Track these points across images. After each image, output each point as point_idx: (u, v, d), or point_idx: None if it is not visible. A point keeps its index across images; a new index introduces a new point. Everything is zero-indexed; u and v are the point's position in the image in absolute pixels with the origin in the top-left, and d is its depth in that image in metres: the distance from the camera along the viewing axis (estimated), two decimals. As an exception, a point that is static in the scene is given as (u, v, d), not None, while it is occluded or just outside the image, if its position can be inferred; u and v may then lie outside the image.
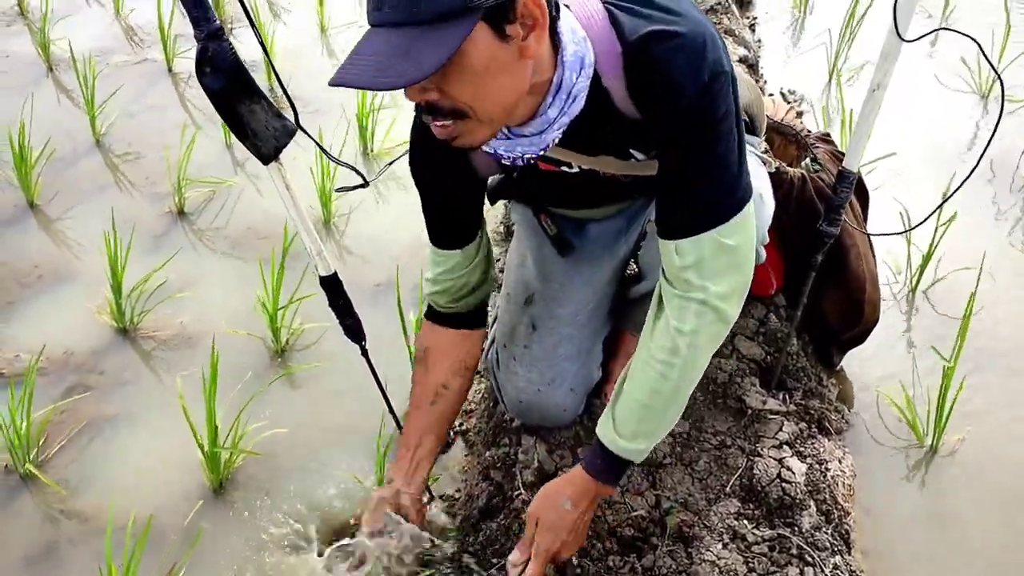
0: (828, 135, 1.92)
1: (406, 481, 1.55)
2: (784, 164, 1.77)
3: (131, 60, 3.58)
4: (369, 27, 1.11)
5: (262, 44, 1.50)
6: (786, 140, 1.91)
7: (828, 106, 3.03)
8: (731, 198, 1.28)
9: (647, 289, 1.62)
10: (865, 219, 1.86)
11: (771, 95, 2.65)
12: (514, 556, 1.45)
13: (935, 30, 1.51)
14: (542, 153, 1.29)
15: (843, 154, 1.71)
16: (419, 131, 1.47)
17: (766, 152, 1.64)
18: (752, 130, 1.73)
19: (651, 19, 1.21)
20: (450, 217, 1.55)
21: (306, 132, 1.49)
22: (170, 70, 3.50)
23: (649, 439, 1.37)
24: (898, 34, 1.48)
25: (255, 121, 1.47)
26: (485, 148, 1.31)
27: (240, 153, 3.06)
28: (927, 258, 2.23)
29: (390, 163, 1.63)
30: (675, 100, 1.20)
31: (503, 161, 1.34)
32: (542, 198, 1.74)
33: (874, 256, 1.87)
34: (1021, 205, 2.59)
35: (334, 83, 1.08)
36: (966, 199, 2.48)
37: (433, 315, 1.63)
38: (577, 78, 1.20)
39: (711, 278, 1.28)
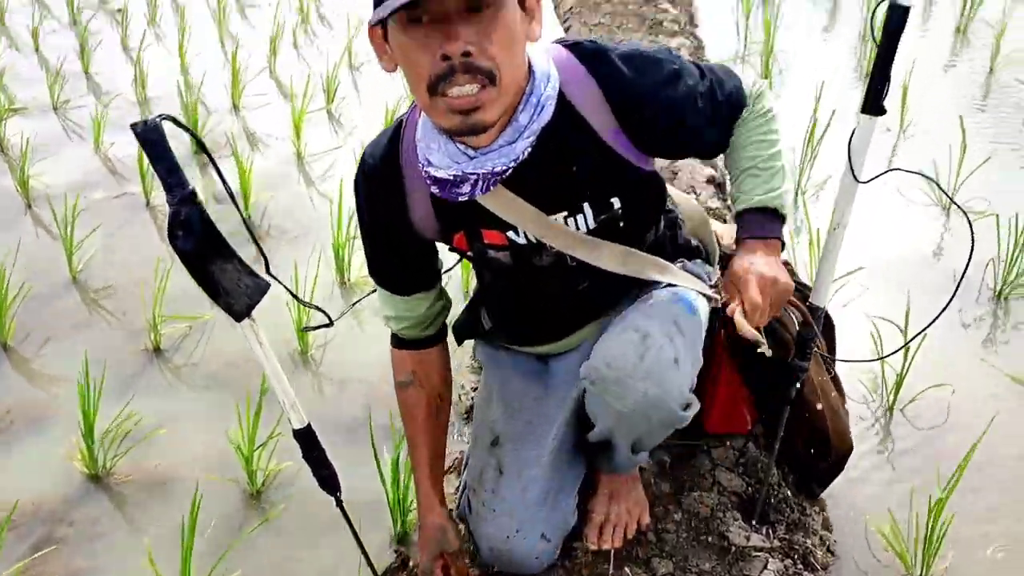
0: (788, 265, 1.93)
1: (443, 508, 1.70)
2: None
3: (110, 195, 3.63)
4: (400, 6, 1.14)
5: (232, 196, 1.52)
6: None
7: (794, 223, 3.10)
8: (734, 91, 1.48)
9: (601, 436, 1.60)
10: (832, 350, 1.87)
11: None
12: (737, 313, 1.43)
13: (889, 170, 1.56)
14: (512, 166, 1.32)
15: (808, 288, 1.74)
16: (363, 183, 1.51)
17: (716, 286, 1.64)
18: (704, 257, 1.75)
19: (600, 43, 1.39)
20: (402, 269, 1.58)
21: (277, 280, 1.52)
22: (148, 203, 3.55)
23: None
24: (854, 176, 1.53)
25: (226, 280, 1.49)
26: (446, 175, 1.34)
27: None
28: (901, 377, 2.24)
29: (355, 302, 1.70)
30: (662, 71, 1.36)
31: (459, 198, 1.37)
32: (505, 327, 1.76)
33: (837, 386, 1.87)
34: (989, 316, 2.62)
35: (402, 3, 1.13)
36: (934, 311, 2.52)
37: (402, 343, 1.67)
38: (546, 88, 1.30)
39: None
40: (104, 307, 3.00)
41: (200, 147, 1.50)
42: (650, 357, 1.40)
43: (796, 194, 3.20)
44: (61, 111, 4.46)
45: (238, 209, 1.51)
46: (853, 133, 1.53)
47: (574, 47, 1.38)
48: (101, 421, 2.31)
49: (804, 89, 3.85)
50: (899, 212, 3.08)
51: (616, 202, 1.44)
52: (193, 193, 1.43)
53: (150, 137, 1.37)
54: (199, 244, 1.45)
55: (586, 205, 1.43)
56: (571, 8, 4.49)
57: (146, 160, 3.51)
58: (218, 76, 4.66)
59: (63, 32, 5.52)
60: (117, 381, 2.61)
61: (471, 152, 1.32)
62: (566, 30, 4.21)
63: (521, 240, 1.47)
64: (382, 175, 1.48)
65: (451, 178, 1.34)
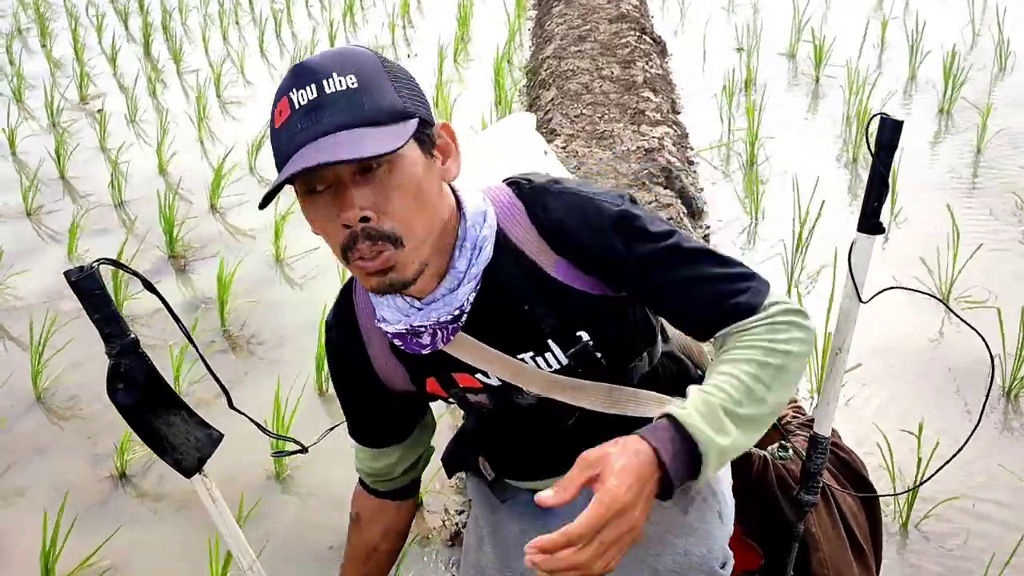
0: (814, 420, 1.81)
1: None
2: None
3: (78, 306, 3.49)
4: (298, 148, 1.06)
5: (179, 323, 1.40)
6: None
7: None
8: (750, 277, 1.20)
9: None
10: (862, 487, 1.72)
11: None
12: (545, 494, 0.98)
13: (889, 288, 1.44)
14: (457, 314, 1.22)
15: (811, 435, 1.61)
16: (327, 344, 1.44)
17: None
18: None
19: (546, 178, 1.27)
20: (374, 422, 1.48)
21: (242, 413, 1.41)
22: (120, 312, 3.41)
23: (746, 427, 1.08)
24: (858, 297, 1.42)
25: (173, 434, 1.36)
26: (398, 329, 1.24)
27: (191, 399, 2.94)
28: (913, 493, 2.10)
29: (330, 428, 1.55)
30: (599, 215, 1.19)
31: (422, 351, 1.27)
32: (496, 463, 1.62)
33: (871, 516, 1.73)
34: (1000, 416, 2.49)
35: (287, 177, 1.04)
36: (943, 417, 2.41)
37: (363, 484, 1.57)
38: (481, 229, 1.20)
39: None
40: (68, 430, 2.85)
41: (147, 286, 1.38)
42: (694, 511, 1.32)
43: (789, 286, 3.09)
44: (35, 217, 4.37)
45: (189, 337, 1.38)
46: (851, 251, 1.42)
47: (514, 184, 1.29)
48: (63, 562, 2.17)
49: (792, 177, 3.80)
50: (895, 305, 2.96)
51: (583, 335, 1.32)
52: (135, 343, 1.31)
53: (86, 286, 1.26)
54: (142, 398, 1.32)
55: (551, 342, 1.31)
56: (552, 100, 4.46)
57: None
58: (197, 176, 4.59)
59: (41, 135, 5.47)
60: (80, 512, 2.46)
61: (417, 304, 1.23)
62: (547, 122, 4.17)
63: (495, 382, 1.36)
64: (340, 335, 1.41)
65: (406, 331, 1.25)
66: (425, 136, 1.11)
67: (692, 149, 4.22)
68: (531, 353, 1.32)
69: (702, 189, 3.84)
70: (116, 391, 1.31)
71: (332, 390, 2.89)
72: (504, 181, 1.31)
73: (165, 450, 1.36)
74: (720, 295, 1.18)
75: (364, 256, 1.09)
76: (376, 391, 1.43)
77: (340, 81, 1.06)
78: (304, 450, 1.44)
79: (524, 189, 1.26)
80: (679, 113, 4.59)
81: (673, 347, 1.55)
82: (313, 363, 2.93)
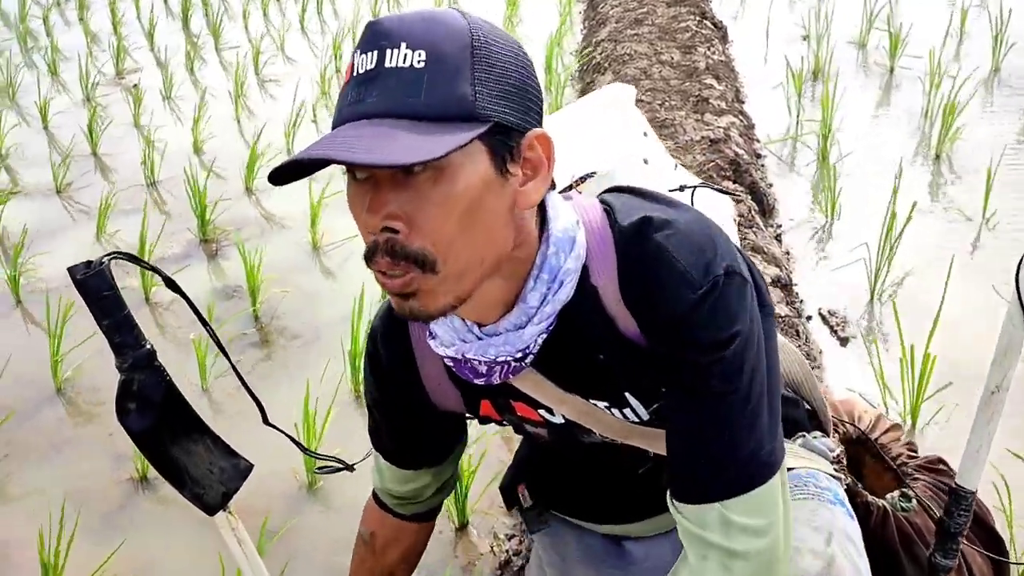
0: (940, 461, 1.55)
1: None
2: (867, 493, 1.40)
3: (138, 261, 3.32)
4: (339, 125, 0.87)
5: (205, 323, 1.19)
6: (880, 465, 1.53)
7: (877, 332, 2.71)
8: (747, 464, 0.96)
9: None
10: (993, 542, 1.46)
11: (858, 395, 2.31)
12: None
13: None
14: (520, 356, 0.99)
15: (953, 488, 1.35)
16: (370, 350, 1.22)
17: (838, 463, 1.28)
18: (819, 424, 1.38)
19: (648, 206, 1.00)
20: (410, 443, 1.28)
21: (278, 429, 1.20)
22: (147, 300, 3.22)
23: None
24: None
25: (194, 465, 1.14)
26: (449, 354, 1.03)
27: (218, 394, 2.74)
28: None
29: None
30: (675, 300, 0.92)
31: (475, 381, 1.05)
32: (560, 501, 1.43)
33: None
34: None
35: (299, 159, 0.83)
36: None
37: (379, 502, 1.37)
38: (566, 259, 0.96)
39: (727, 540, 0.96)
40: (88, 425, 2.66)
41: (169, 284, 1.15)
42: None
43: (872, 299, 2.82)
44: (64, 194, 4.20)
45: (220, 346, 1.16)
46: (1021, 271, 1.15)
47: (609, 209, 1.02)
48: (70, 572, 1.99)
49: (873, 176, 3.51)
50: (987, 308, 2.67)
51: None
52: (150, 354, 1.09)
53: (93, 286, 1.03)
54: (157, 421, 1.10)
55: (629, 396, 1.08)
56: (610, 84, 4.19)
57: (147, 247, 3.26)
58: (232, 156, 4.39)
59: (74, 110, 5.31)
60: (95, 518, 2.28)
61: (476, 331, 1.00)
62: (604, 108, 3.90)
63: (559, 420, 1.15)
64: (389, 349, 1.19)
65: (458, 357, 1.03)
66: (503, 146, 0.87)
67: (759, 141, 3.94)
68: (606, 404, 1.10)
69: (771, 184, 3.56)
70: (127, 412, 1.09)
71: (370, 392, 2.68)
72: (600, 198, 1.05)
73: (184, 483, 1.14)
74: (718, 468, 0.96)
75: (382, 269, 0.87)
76: (423, 411, 1.22)
77: (406, 56, 0.84)
78: (350, 468, 1.30)
79: (620, 225, 0.99)
80: (743, 103, 4.30)
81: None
82: (349, 360, 2.71)
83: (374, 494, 1.39)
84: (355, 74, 0.86)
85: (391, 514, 1.36)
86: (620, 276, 0.98)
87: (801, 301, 2.84)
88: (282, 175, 0.85)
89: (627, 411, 1.10)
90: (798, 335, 2.52)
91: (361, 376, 2.68)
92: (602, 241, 1.00)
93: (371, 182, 0.86)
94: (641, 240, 0.96)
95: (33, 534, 2.17)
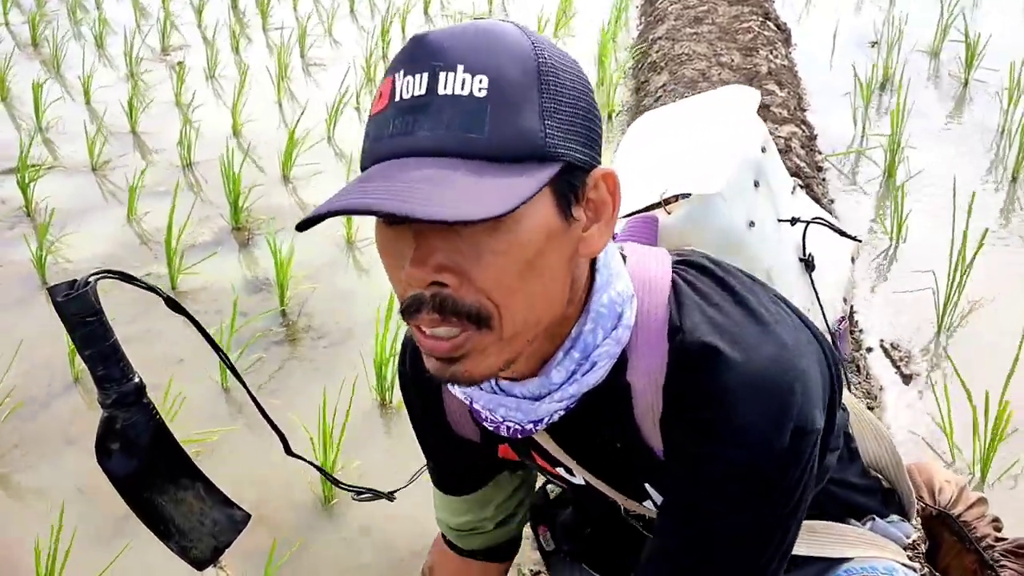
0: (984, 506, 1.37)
1: None
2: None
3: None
4: (374, 164, 0.73)
5: (214, 345, 1.07)
6: (961, 544, 1.34)
7: (939, 365, 2.51)
8: None
9: None
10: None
11: (945, 466, 2.10)
12: None
13: None
14: (529, 427, 0.87)
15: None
16: (401, 367, 1.13)
17: (913, 548, 1.11)
18: (896, 505, 1.21)
19: (723, 318, 0.82)
20: (448, 467, 1.20)
21: (302, 458, 1.14)
22: (174, 287, 3.12)
23: None
24: None
25: (182, 515, 1.01)
26: (458, 395, 0.91)
27: (238, 393, 2.61)
28: None
29: (420, 470, 1.29)
30: (720, 455, 0.79)
31: (486, 424, 0.92)
32: (588, 556, 1.28)
33: None
34: None
35: (336, 210, 0.68)
36: None
37: (444, 538, 1.28)
38: (604, 338, 0.82)
39: None
40: (103, 419, 2.55)
41: (170, 305, 1.03)
42: None
43: (939, 332, 2.61)
44: (100, 172, 4.12)
45: (230, 365, 1.03)
46: None
47: (678, 303, 0.85)
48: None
49: (942, 197, 3.27)
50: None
51: None
52: (138, 389, 0.95)
53: (74, 311, 0.90)
54: (143, 466, 0.97)
55: (650, 488, 0.95)
56: (663, 86, 4.01)
57: (175, 233, 3.16)
58: (270, 140, 4.28)
59: (117, 85, 5.23)
60: (101, 525, 2.16)
61: (491, 382, 0.87)
62: (658, 110, 3.72)
63: (579, 482, 1.02)
64: (417, 362, 1.07)
65: (465, 402, 0.93)
66: (569, 187, 0.74)
67: (820, 153, 3.73)
68: (624, 496, 0.98)
69: (832, 201, 3.36)
70: (109, 454, 0.96)
71: (394, 400, 2.55)
72: (673, 273, 0.88)
73: (170, 535, 1.01)
74: None
75: (429, 327, 0.73)
76: (451, 441, 1.11)
77: (464, 81, 0.69)
78: (389, 498, 1.25)
79: (682, 336, 0.82)
80: (806, 111, 4.08)
81: (860, 466, 1.15)
82: (374, 368, 2.57)
83: (441, 532, 1.30)
84: (399, 98, 0.71)
85: (453, 549, 1.27)
86: (665, 400, 0.83)
87: (861, 331, 2.65)
88: (306, 222, 0.71)
89: (647, 503, 0.97)
90: (858, 370, 2.33)
91: (384, 384, 2.56)
92: (654, 340, 0.84)
93: (412, 227, 0.71)
94: (701, 375, 0.80)
95: (38, 531, 2.07)
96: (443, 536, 1.28)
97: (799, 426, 0.78)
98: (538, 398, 0.84)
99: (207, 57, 5.51)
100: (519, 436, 0.89)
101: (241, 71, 5.19)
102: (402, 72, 0.71)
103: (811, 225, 1.20)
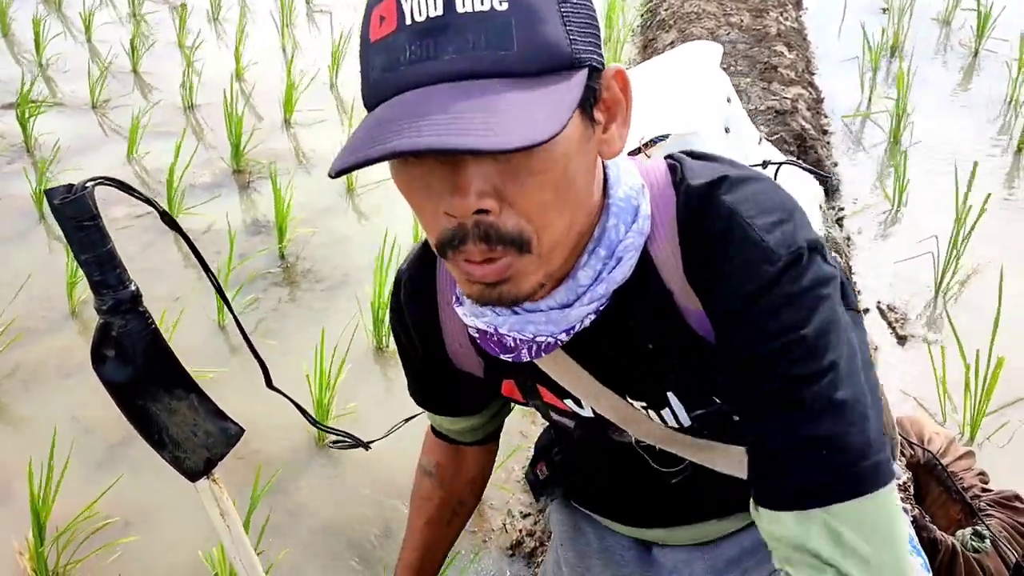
0: (1017, 498, 1.37)
1: None
2: (935, 527, 1.24)
3: (132, 212, 3.20)
4: (395, 96, 0.69)
5: (200, 258, 1.06)
6: (947, 495, 1.35)
7: (935, 327, 2.52)
8: (850, 463, 0.77)
9: None
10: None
11: (929, 415, 2.10)
12: None
13: None
14: (564, 339, 0.85)
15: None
16: (393, 301, 1.08)
17: (904, 491, 1.12)
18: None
19: (719, 164, 0.86)
20: (443, 395, 1.17)
21: (283, 394, 1.09)
22: (174, 227, 3.11)
23: None
24: None
25: (176, 425, 1.01)
26: (478, 325, 0.88)
27: (235, 332, 2.62)
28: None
29: (404, 422, 1.31)
30: (748, 275, 0.78)
31: (501, 355, 0.90)
32: (585, 498, 1.29)
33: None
34: None
35: (389, 153, 0.64)
36: None
37: (438, 434, 1.26)
38: (626, 232, 0.82)
39: (842, 558, 0.77)
40: (98, 352, 2.56)
41: (164, 218, 1.02)
42: None
43: (936, 295, 2.61)
44: (100, 110, 4.09)
45: (221, 293, 1.02)
46: None
47: (674, 167, 0.87)
48: (64, 508, 1.91)
49: (946, 164, 3.27)
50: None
51: (716, 398, 0.93)
52: (134, 297, 0.95)
53: (71, 213, 0.89)
54: (138, 373, 0.97)
55: (672, 396, 0.93)
56: (671, 43, 3.97)
57: (178, 171, 3.14)
58: (273, 84, 4.24)
59: (119, 24, 5.18)
60: (95, 454, 2.18)
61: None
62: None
63: (587, 413, 1.01)
64: (412, 297, 1.05)
65: (488, 329, 0.88)
66: (590, 90, 0.73)
67: (827, 116, 3.70)
68: (644, 404, 0.96)
69: (836, 163, 3.34)
70: (103, 360, 0.96)
71: (391, 345, 2.55)
72: (666, 157, 0.89)
73: (163, 444, 1.02)
74: (828, 468, 0.77)
75: (472, 259, 0.72)
76: (447, 369, 1.09)
77: None
78: (366, 447, 1.24)
79: (687, 184, 0.84)
80: (814, 74, 4.05)
81: None
82: (371, 311, 2.57)
83: (432, 427, 1.29)
84: (410, 20, 0.68)
85: (449, 441, 1.26)
86: (683, 244, 0.83)
87: (859, 292, 2.65)
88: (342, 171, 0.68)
89: (666, 413, 0.96)
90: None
91: (382, 328, 2.56)
92: (663, 202, 0.84)
93: (439, 162, 0.70)
94: (710, 202, 0.80)
95: (32, 457, 2.09)
96: (436, 434, 1.27)
97: (812, 238, 0.79)
98: (567, 305, 0.83)
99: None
100: (539, 356, 0.89)
101: (245, 14, 5.13)
102: None
103: (780, 174, 1.21)
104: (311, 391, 2.19)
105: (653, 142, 1.10)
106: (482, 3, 0.66)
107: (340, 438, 1.24)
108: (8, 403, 2.37)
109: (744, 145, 1.20)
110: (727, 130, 1.17)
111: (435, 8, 0.67)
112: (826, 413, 0.77)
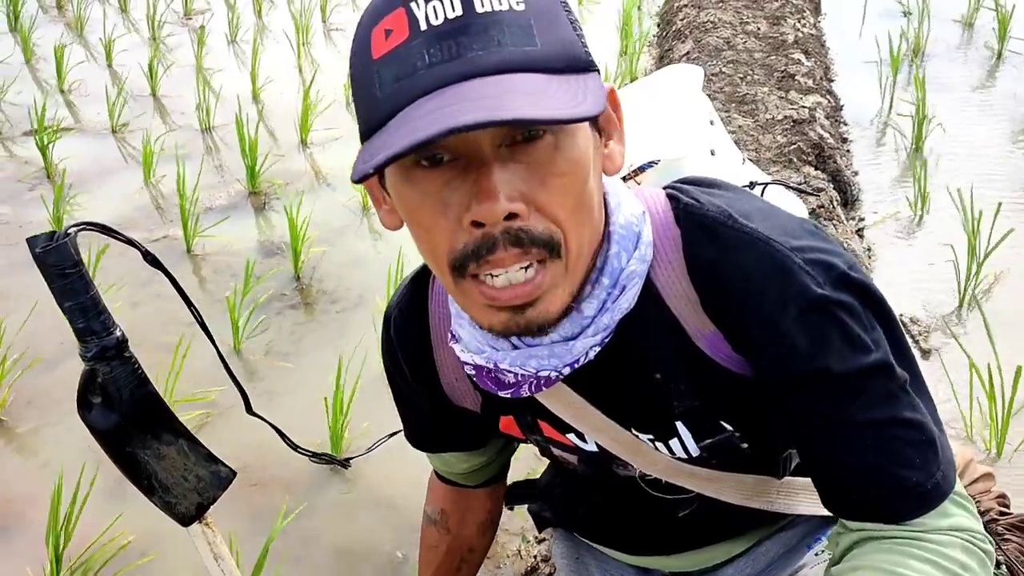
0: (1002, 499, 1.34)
1: None
2: None
3: (149, 237, 3.21)
4: (418, 98, 0.68)
5: (198, 317, 1.07)
6: None
7: (958, 340, 2.46)
8: (918, 483, 0.79)
9: None
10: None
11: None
12: None
13: None
14: (567, 372, 0.82)
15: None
16: (384, 334, 1.07)
17: None
18: None
19: (722, 192, 0.87)
20: (438, 434, 1.14)
21: (262, 418, 1.17)
22: (189, 250, 3.12)
23: None
24: None
25: (166, 471, 1.00)
26: (477, 362, 0.86)
27: (251, 356, 2.62)
28: None
29: (387, 436, 1.49)
30: (795, 291, 0.78)
31: (499, 392, 0.88)
32: (585, 528, 1.27)
33: None
34: None
35: (416, 143, 0.63)
36: None
37: (441, 478, 1.24)
38: (628, 259, 0.81)
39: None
40: (114, 379, 2.57)
41: (146, 257, 1.02)
42: None
43: (960, 306, 2.55)
44: (119, 134, 4.13)
45: (200, 321, 1.01)
46: None
47: (674, 196, 0.86)
48: (79, 536, 1.92)
49: (969, 171, 3.20)
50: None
51: (727, 425, 0.91)
52: (120, 343, 0.94)
53: (54, 262, 0.89)
54: (125, 420, 0.96)
55: (680, 426, 0.91)
56: (687, 54, 3.94)
57: (194, 194, 3.15)
58: (289, 104, 4.26)
59: (138, 48, 5.24)
60: (112, 480, 2.17)
61: (513, 338, 0.82)
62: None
63: (591, 448, 0.99)
64: (404, 332, 1.03)
65: (487, 365, 0.86)
66: None
67: (846, 124, 3.65)
68: (651, 436, 0.93)
69: (856, 172, 3.29)
70: (90, 407, 0.96)
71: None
72: (665, 189, 0.88)
73: (152, 490, 1.01)
74: (887, 473, 0.79)
75: (503, 268, 0.70)
76: (443, 409, 1.07)
77: None
78: (345, 466, 1.37)
79: (686, 210, 0.83)
80: (832, 81, 3.99)
81: None
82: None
83: (435, 472, 1.27)
84: (426, 26, 0.67)
85: (457, 487, 1.24)
86: (692, 270, 0.82)
87: (880, 305, 2.59)
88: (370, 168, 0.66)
89: (674, 443, 0.94)
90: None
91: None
92: (664, 228, 0.84)
93: (459, 164, 0.69)
94: (722, 229, 0.81)
95: (46, 490, 2.09)
96: (440, 478, 1.25)
97: (841, 254, 0.80)
98: (571, 338, 0.81)
99: (229, 21, 5.49)
100: (539, 391, 0.87)
101: (262, 36, 5.17)
102: (421, 1, 0.67)
103: (766, 193, 1.20)
104: (326, 413, 2.19)
105: (642, 169, 1.09)
106: (500, 3, 0.67)
107: (320, 457, 1.24)
108: (23, 432, 2.38)
109: (729, 167, 1.19)
110: (712, 152, 1.17)
111: (453, 9, 0.66)
112: (875, 402, 0.79)
